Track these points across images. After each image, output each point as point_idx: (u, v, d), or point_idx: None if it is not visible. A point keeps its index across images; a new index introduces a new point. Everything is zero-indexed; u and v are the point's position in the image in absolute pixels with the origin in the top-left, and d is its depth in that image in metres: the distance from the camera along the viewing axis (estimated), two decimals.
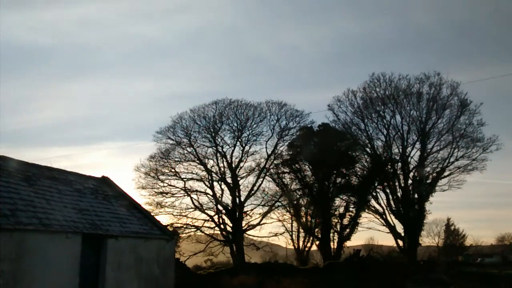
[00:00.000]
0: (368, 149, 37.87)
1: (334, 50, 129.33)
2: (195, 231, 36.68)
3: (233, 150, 36.62)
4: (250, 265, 35.38)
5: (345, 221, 37.13)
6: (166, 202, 36.04)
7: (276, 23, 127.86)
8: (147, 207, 30.71)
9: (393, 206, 36.29)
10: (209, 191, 36.15)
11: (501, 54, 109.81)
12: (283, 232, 38.10)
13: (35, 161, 16.54)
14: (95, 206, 16.00)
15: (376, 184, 37.24)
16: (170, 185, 36.22)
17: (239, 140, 36.59)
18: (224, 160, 36.49)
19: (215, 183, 36.30)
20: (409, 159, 37.04)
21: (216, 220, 36.08)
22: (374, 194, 37.45)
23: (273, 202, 37.33)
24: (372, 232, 58.33)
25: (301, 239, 38.63)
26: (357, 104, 37.53)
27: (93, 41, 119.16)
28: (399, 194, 36.28)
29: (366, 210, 37.47)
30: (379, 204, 37.16)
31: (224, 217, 36.27)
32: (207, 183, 36.21)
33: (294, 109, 37.20)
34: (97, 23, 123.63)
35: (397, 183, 36.54)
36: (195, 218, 36.48)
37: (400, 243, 36.52)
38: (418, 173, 36.64)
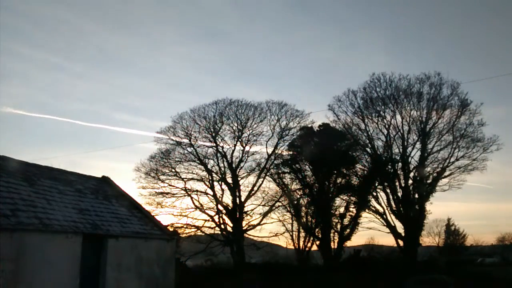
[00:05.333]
0: (368, 149, 37.80)
1: (334, 50, 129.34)
2: (196, 231, 36.73)
3: (233, 150, 36.66)
4: (250, 265, 35.43)
5: (346, 221, 37.06)
6: (167, 202, 36.08)
7: (275, 23, 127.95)
8: (147, 207, 30.70)
9: (394, 206, 36.21)
10: (209, 191, 36.18)
11: (501, 54, 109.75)
12: (284, 232, 38.08)
13: (35, 161, 16.59)
14: (96, 206, 16.03)
15: (376, 184, 37.15)
16: (171, 185, 36.24)
17: (240, 140, 36.61)
18: (225, 160, 36.51)
19: (215, 183, 36.32)
20: (410, 159, 36.97)
21: (217, 220, 36.09)
22: (375, 194, 37.37)
23: (274, 202, 37.32)
24: (373, 232, 58.26)
25: (302, 239, 38.63)
26: (357, 104, 37.46)
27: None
28: (399, 194, 36.19)
29: (367, 210, 37.39)
30: (380, 204, 37.09)
31: (224, 217, 36.29)
32: (207, 183, 36.23)
33: (294, 109, 37.24)
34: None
35: (397, 183, 36.45)
36: (196, 218, 36.54)
37: (401, 243, 36.44)
38: (418, 173, 36.57)
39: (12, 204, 12.27)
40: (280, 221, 38.03)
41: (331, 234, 36.86)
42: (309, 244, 37.61)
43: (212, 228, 36.64)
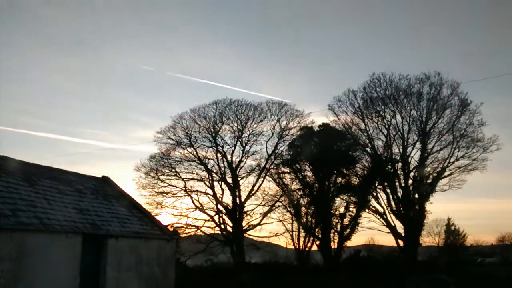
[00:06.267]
0: (368, 149, 37.82)
1: (335, 49, 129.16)
2: (196, 231, 36.77)
3: (233, 150, 36.70)
4: (250, 265, 35.43)
5: (346, 221, 37.06)
6: (167, 202, 36.14)
7: (275, 22, 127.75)
8: (147, 207, 30.70)
9: (394, 206, 36.24)
10: (209, 191, 36.21)
11: (501, 54, 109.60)
12: (284, 232, 38.10)
13: (34, 161, 16.59)
14: (96, 206, 16.03)
15: (376, 184, 37.17)
16: (171, 185, 36.27)
17: (240, 140, 36.66)
18: (225, 160, 36.54)
19: (215, 183, 36.36)
20: (410, 159, 37.00)
21: (217, 220, 36.13)
22: (375, 194, 37.39)
23: (274, 202, 37.33)
24: (373, 232, 58.12)
25: (302, 239, 38.66)
26: (357, 104, 37.48)
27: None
28: (399, 194, 36.22)
29: (367, 210, 37.42)
30: (380, 204, 37.11)
31: (224, 217, 36.32)
32: (207, 183, 36.26)
33: (294, 109, 37.31)
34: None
35: (397, 183, 36.49)
36: (196, 218, 36.58)
37: (401, 243, 36.47)
38: (418, 173, 36.59)
39: (12, 204, 12.28)
40: (280, 221, 38.07)
41: (331, 234, 36.86)
42: (309, 244, 37.60)
43: (212, 228, 36.71)
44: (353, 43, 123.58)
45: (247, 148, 36.79)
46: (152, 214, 25.24)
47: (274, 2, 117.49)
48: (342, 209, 37.67)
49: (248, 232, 37.12)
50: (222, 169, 36.46)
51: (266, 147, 37.01)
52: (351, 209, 37.48)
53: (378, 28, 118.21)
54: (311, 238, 37.42)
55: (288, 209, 37.95)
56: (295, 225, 38.12)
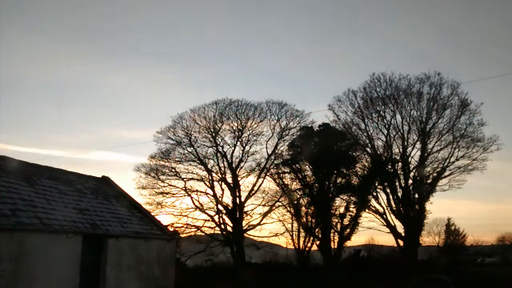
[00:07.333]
0: (368, 149, 37.82)
1: (335, 49, 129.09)
2: (196, 231, 36.77)
3: (233, 150, 36.69)
4: (250, 265, 35.43)
5: (346, 221, 37.06)
6: (167, 202, 36.13)
7: (275, 21, 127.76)
8: (147, 207, 30.69)
9: (394, 206, 36.24)
10: (209, 191, 36.20)
11: (501, 54, 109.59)
12: (284, 232, 38.10)
13: (34, 161, 16.59)
14: (96, 206, 16.02)
15: (376, 184, 37.17)
16: (171, 185, 36.26)
17: (240, 140, 36.63)
18: (225, 160, 36.52)
19: (215, 183, 36.35)
20: (410, 159, 37.01)
21: (217, 220, 36.12)
22: (375, 194, 37.38)
23: (274, 202, 37.32)
24: (373, 232, 58.15)
25: (302, 239, 38.66)
26: (357, 104, 37.51)
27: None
28: (399, 194, 36.22)
29: (367, 210, 37.42)
30: (380, 204, 37.11)
31: (224, 217, 36.31)
32: (207, 183, 36.25)
33: (294, 109, 37.28)
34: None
35: (397, 183, 36.50)
36: (196, 218, 36.56)
37: (401, 243, 36.47)
38: (418, 173, 36.59)
39: (12, 204, 12.27)
40: (280, 221, 38.07)
41: (331, 234, 36.85)
42: (309, 244, 37.59)
43: (212, 228, 36.69)
44: (353, 43, 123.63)
45: (247, 148, 36.84)
46: (152, 214, 25.26)
47: (272, 3, 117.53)
48: (342, 209, 37.69)
49: (248, 232, 37.16)
50: (222, 169, 36.50)
51: (266, 147, 37.05)
52: (351, 209, 37.49)
53: (379, 28, 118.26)
54: (311, 238, 37.40)
55: (288, 209, 37.96)
56: (295, 225, 38.13)
